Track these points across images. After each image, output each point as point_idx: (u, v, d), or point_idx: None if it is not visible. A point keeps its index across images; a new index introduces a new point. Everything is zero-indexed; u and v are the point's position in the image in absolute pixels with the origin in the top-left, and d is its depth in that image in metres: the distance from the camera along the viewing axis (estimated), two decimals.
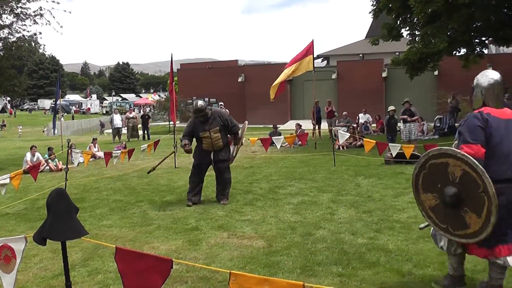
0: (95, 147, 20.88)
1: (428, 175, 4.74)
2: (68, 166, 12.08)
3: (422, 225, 5.48)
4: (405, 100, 17.52)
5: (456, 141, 4.80)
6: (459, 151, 4.42)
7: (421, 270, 5.65)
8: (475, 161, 4.30)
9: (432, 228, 5.03)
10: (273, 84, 18.95)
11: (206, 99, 40.29)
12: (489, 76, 4.85)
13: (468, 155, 4.34)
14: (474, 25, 19.61)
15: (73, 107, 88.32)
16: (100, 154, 18.98)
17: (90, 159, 18.24)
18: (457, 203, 4.49)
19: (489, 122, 4.56)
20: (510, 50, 35.83)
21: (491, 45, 29.18)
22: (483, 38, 22.09)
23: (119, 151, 15.80)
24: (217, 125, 9.83)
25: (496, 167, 4.51)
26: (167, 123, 35.71)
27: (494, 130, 4.57)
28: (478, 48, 22.36)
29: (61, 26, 20.74)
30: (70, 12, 21.55)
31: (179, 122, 34.00)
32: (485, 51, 24.94)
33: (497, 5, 17.53)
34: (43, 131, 46.87)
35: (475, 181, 4.30)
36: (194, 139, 10.12)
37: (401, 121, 17.48)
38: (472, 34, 20.17)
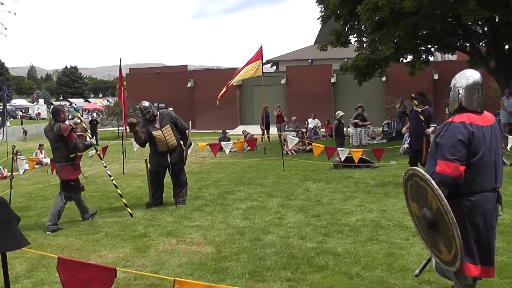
0: (41, 153, 20.41)
1: (414, 188, 4.42)
2: (13, 174, 11.75)
3: (417, 271, 4.88)
4: (358, 105, 17.74)
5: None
6: (436, 187, 4.02)
7: (369, 272, 5.71)
8: (448, 205, 3.94)
9: (434, 263, 4.66)
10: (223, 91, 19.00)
11: (156, 104, 39.97)
12: (466, 74, 4.46)
13: (443, 196, 3.97)
14: (420, 33, 20.03)
15: (20, 112, 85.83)
16: (47, 160, 18.56)
17: (36, 166, 17.84)
18: (432, 228, 4.23)
19: (475, 134, 4.21)
20: (455, 57, 36.83)
21: (436, 52, 29.87)
22: (429, 46, 22.62)
23: None
24: (167, 123, 10.02)
25: (481, 178, 4.24)
26: (116, 128, 35.21)
27: (479, 141, 4.22)
28: (424, 55, 22.90)
29: (6, 28, 20.22)
30: (15, 14, 21.02)
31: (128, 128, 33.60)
32: (431, 58, 25.54)
33: (441, 14, 17.95)
34: None
35: (447, 223, 4.00)
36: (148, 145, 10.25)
37: (352, 125, 17.68)
38: (418, 41, 20.60)
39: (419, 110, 10.96)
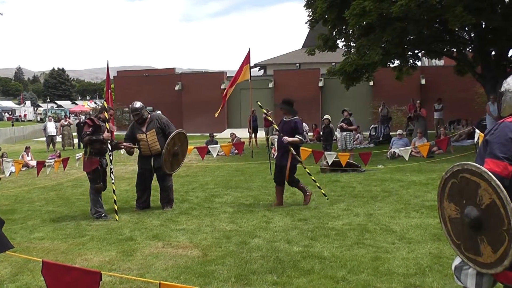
0: (28, 155, 20.29)
1: (457, 186, 4.11)
2: None
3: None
4: (343, 109, 17.84)
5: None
6: (494, 178, 3.72)
7: (355, 276, 5.70)
8: (507, 197, 3.63)
9: (454, 263, 4.30)
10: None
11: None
12: None
13: (502, 187, 3.66)
14: (407, 38, 20.17)
15: (6, 113, 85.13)
16: (33, 163, 18.45)
17: (23, 168, 17.71)
18: (476, 227, 3.92)
19: None
20: (441, 62, 37.09)
21: (423, 57, 30.04)
22: (416, 51, 22.76)
23: (53, 160, 15.40)
24: (154, 128, 9.91)
25: None
26: None
27: None
28: (411, 60, 23.07)
29: None
30: (2, 14, 20.89)
31: (116, 129, 33.42)
32: (418, 63, 25.69)
33: (428, 19, 18.08)
34: None
35: (501, 217, 3.70)
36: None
37: (338, 129, 17.77)
38: (406, 46, 20.72)
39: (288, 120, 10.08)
